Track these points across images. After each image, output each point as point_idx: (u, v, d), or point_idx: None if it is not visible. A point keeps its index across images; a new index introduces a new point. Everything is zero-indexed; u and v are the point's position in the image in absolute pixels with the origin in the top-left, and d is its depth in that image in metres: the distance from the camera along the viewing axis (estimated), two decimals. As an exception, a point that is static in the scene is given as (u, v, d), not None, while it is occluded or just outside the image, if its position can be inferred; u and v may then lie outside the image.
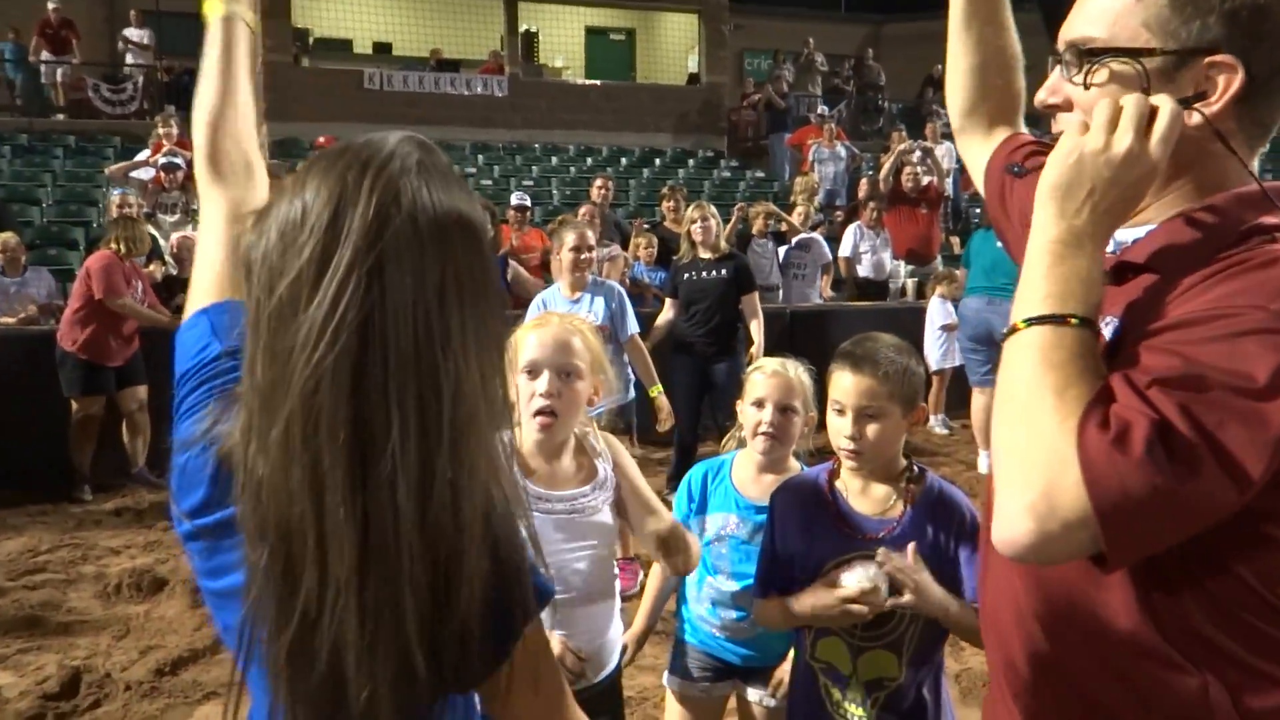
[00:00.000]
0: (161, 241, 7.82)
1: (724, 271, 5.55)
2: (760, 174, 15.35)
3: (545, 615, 1.77)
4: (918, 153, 10.00)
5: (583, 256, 4.61)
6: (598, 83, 16.92)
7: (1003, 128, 1.41)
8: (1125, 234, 1.08)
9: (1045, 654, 1.08)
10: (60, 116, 14.25)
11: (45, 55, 14.41)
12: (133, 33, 15.05)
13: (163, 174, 8.59)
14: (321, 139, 9.80)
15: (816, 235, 8.68)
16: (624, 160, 15.22)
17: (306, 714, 0.89)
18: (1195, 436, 0.84)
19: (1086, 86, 1.04)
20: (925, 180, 9.68)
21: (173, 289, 6.98)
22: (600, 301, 4.59)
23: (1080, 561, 0.92)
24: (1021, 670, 1.10)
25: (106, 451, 6.28)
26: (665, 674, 2.40)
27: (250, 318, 0.88)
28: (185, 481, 0.95)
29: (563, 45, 18.98)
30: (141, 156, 9.38)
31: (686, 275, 5.65)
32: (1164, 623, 0.97)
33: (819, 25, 20.08)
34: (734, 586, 2.22)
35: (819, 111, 15.00)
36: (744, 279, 5.64)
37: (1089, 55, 1.03)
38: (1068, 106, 1.07)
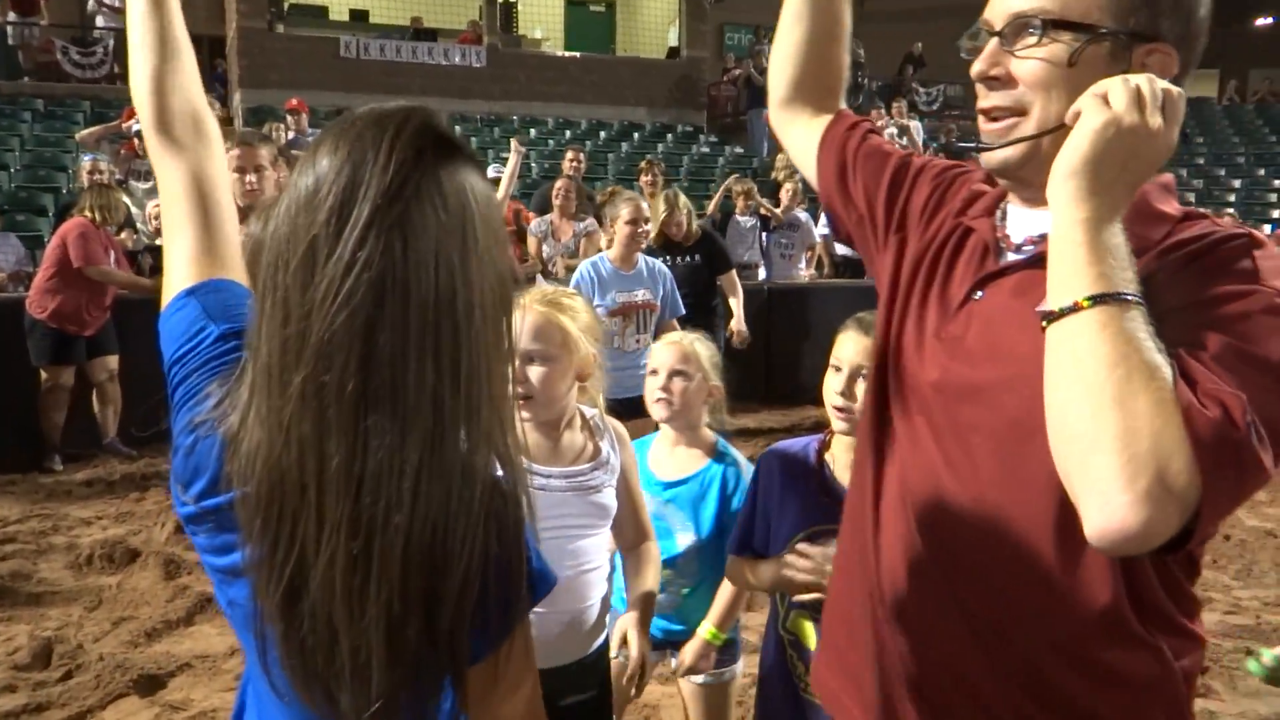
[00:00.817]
0: (134, 209, 7.71)
1: (696, 257, 5.66)
2: (739, 150, 15.29)
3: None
4: (892, 128, 9.99)
5: (640, 229, 4.59)
6: (577, 55, 16.77)
7: (829, 104, 1.39)
8: (1040, 218, 1.08)
9: (986, 645, 1.07)
10: (26, 80, 13.95)
11: (11, 16, 14.10)
12: (103, -5, 14.77)
13: (136, 140, 8.45)
14: (294, 100, 9.61)
15: (803, 215, 8.67)
16: (603, 134, 15.12)
17: (298, 671, 0.88)
18: (1266, 420, 0.88)
19: (1070, 62, 1.03)
20: (904, 158, 9.70)
21: (154, 257, 6.89)
22: (656, 278, 4.55)
23: (1061, 549, 0.99)
24: (943, 665, 1.10)
25: (77, 421, 6.21)
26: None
27: (261, 292, 0.86)
28: (192, 464, 0.93)
29: (542, 16, 18.77)
30: (113, 123, 9.21)
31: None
32: (1134, 597, 1.01)
33: None
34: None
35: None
36: (718, 260, 5.73)
37: (1048, 27, 1.02)
38: (1008, 79, 1.06)
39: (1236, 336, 0.91)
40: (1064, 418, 0.89)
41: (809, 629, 1.90)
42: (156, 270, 6.79)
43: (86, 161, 7.15)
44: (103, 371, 6.22)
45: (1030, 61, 1.04)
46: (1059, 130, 1.00)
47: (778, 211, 8.47)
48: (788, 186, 8.61)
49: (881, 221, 1.29)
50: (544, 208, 7.69)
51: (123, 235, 6.80)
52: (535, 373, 1.83)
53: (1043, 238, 1.06)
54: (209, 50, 16.01)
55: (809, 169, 1.38)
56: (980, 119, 1.11)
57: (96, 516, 5.22)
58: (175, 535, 4.81)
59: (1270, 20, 23.61)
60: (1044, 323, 0.92)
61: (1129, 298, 0.89)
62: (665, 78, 16.47)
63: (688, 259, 5.65)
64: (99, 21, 14.71)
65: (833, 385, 1.88)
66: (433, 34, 16.34)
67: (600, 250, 6.71)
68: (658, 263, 4.75)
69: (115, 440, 6.31)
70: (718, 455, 2.32)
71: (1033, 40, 1.03)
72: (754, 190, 8.50)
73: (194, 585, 4.15)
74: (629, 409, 4.29)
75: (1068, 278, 0.91)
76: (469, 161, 0.90)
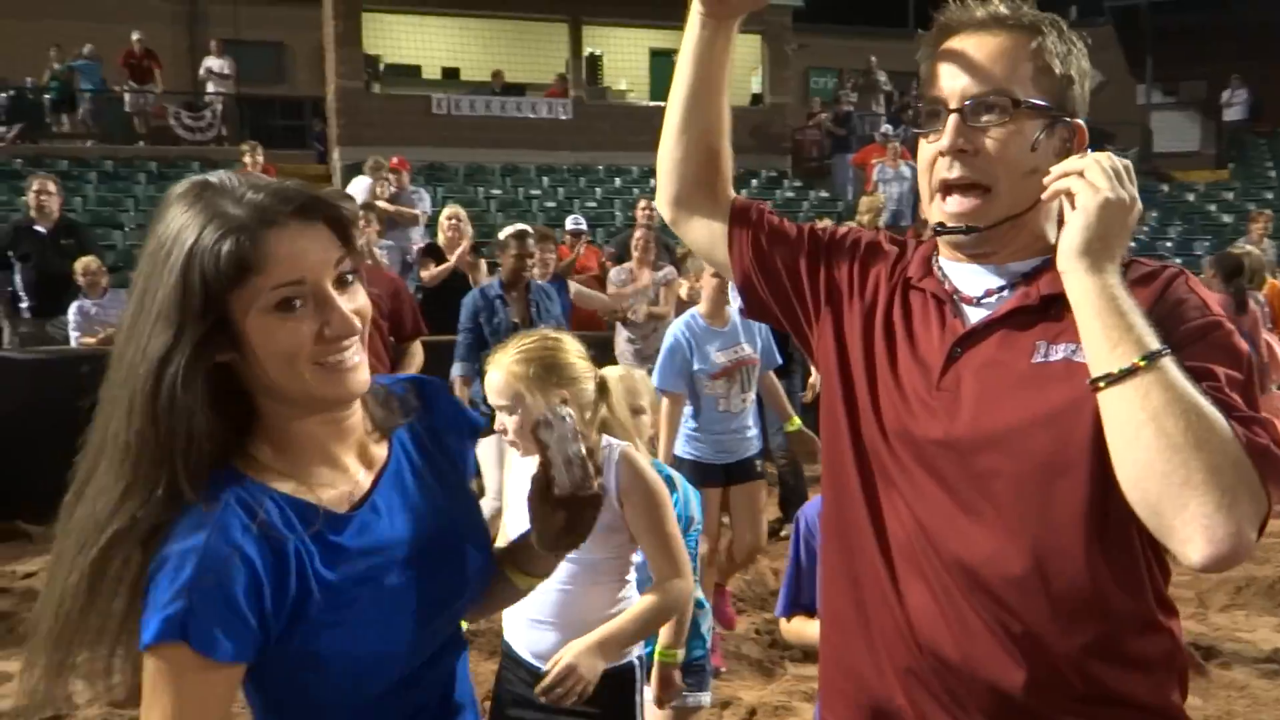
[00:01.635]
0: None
1: None
2: (824, 194, 15.29)
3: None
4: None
5: (727, 281, 4.56)
6: (662, 104, 16.96)
7: (725, 193, 1.44)
8: (1007, 268, 1.22)
9: (1029, 661, 1.12)
10: (142, 144, 14.80)
11: (129, 85, 15.00)
12: (213, 62, 15.61)
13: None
14: (395, 159, 9.96)
15: None
16: (687, 181, 15.28)
17: None
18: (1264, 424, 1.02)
19: (1033, 146, 1.18)
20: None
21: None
22: (751, 330, 4.25)
23: (1094, 568, 1.09)
24: (988, 686, 1.14)
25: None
26: None
27: None
28: None
29: (627, 68, 19.14)
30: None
31: None
32: (1154, 588, 1.14)
33: (885, 43, 19.97)
34: None
35: (882, 130, 14.91)
36: None
37: (1015, 108, 1.16)
38: (977, 151, 1.17)
39: (1223, 362, 1.06)
40: (1150, 467, 0.99)
41: None
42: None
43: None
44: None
45: (998, 140, 1.17)
46: (1030, 210, 1.17)
47: None
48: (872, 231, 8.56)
49: (809, 294, 1.37)
50: (621, 256, 7.81)
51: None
52: (511, 421, 1.96)
53: (1003, 289, 1.20)
54: (310, 110, 16.77)
55: (718, 256, 1.44)
56: (938, 191, 1.21)
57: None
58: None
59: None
60: (1101, 384, 1.03)
61: (1166, 351, 1.01)
62: (749, 124, 16.58)
63: None
64: (209, 87, 15.55)
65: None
66: (521, 89, 16.81)
67: (677, 297, 6.72)
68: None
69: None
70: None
71: (996, 119, 1.16)
72: None
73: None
74: (738, 473, 4.19)
75: (1116, 342, 1.02)
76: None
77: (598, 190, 14.43)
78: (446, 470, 1.24)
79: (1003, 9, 1.20)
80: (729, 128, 1.45)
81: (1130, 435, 1.01)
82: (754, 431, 4.28)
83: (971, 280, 1.24)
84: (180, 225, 1.01)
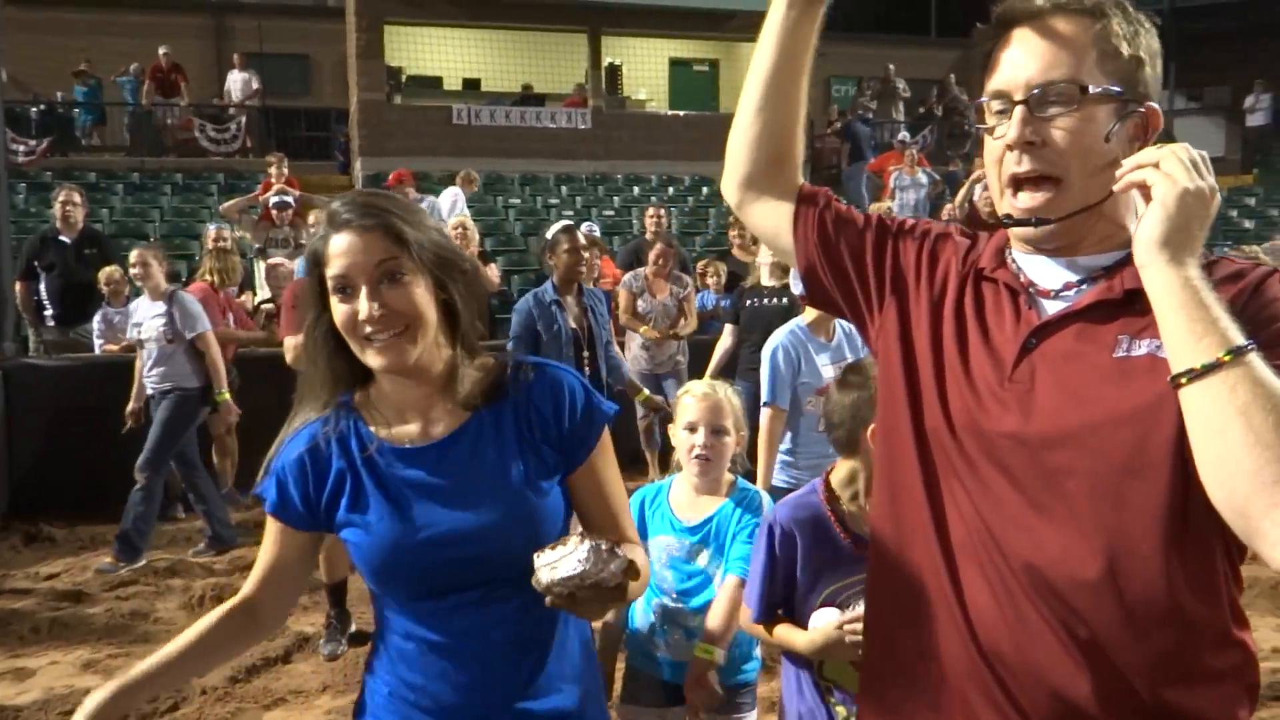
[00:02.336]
0: (260, 276, 8.24)
1: (784, 299, 5.46)
2: (844, 201, 15.28)
3: None
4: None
5: None
6: (680, 113, 17.12)
7: (793, 181, 1.41)
8: (1084, 262, 1.18)
9: (1095, 670, 1.09)
10: (169, 156, 15.06)
11: (156, 99, 15.27)
12: (236, 75, 15.86)
13: (273, 211, 8.94)
14: (391, 177, 10.03)
15: None
16: (705, 189, 15.35)
17: None
18: None
19: (1108, 136, 1.14)
20: (1004, 205, 9.56)
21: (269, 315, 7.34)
22: (854, 341, 3.99)
23: (1170, 573, 1.06)
24: (1052, 694, 1.11)
25: (198, 472, 6.61)
26: (617, 703, 2.37)
27: None
28: None
29: (646, 77, 19.25)
30: (251, 194, 9.80)
31: (748, 302, 5.69)
32: (1230, 598, 1.12)
33: (905, 51, 19.98)
34: (680, 606, 2.28)
35: (900, 138, 14.92)
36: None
37: (1083, 96, 1.12)
38: (1045, 143, 1.14)
39: None
40: (1238, 465, 0.95)
41: (849, 671, 1.93)
42: (270, 324, 7.21)
43: (211, 230, 7.68)
44: (222, 425, 6.61)
45: (1067, 131, 1.13)
46: (1104, 201, 1.13)
47: None
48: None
49: (874, 283, 1.33)
50: (630, 263, 7.86)
51: (243, 297, 7.26)
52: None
53: (1081, 283, 1.17)
54: (334, 122, 17.00)
55: (782, 241, 1.41)
56: (1008, 186, 1.18)
57: (212, 561, 5.54)
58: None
59: None
60: (1183, 380, 0.99)
61: (1252, 346, 0.98)
62: (767, 132, 16.63)
63: (778, 300, 5.52)
64: (233, 98, 15.80)
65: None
66: (540, 99, 16.95)
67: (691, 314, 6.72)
68: (849, 325, 4.01)
69: (232, 490, 6.69)
70: (737, 492, 2.35)
71: (1064, 108, 1.13)
72: None
73: (292, 625, 4.37)
74: None
75: (1200, 336, 0.99)
76: None
77: (616, 199, 14.52)
78: (519, 454, 1.40)
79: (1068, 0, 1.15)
80: (804, 113, 1.42)
81: (1215, 432, 0.97)
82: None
83: (1047, 273, 1.20)
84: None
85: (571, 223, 5.11)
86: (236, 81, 16.03)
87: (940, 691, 1.20)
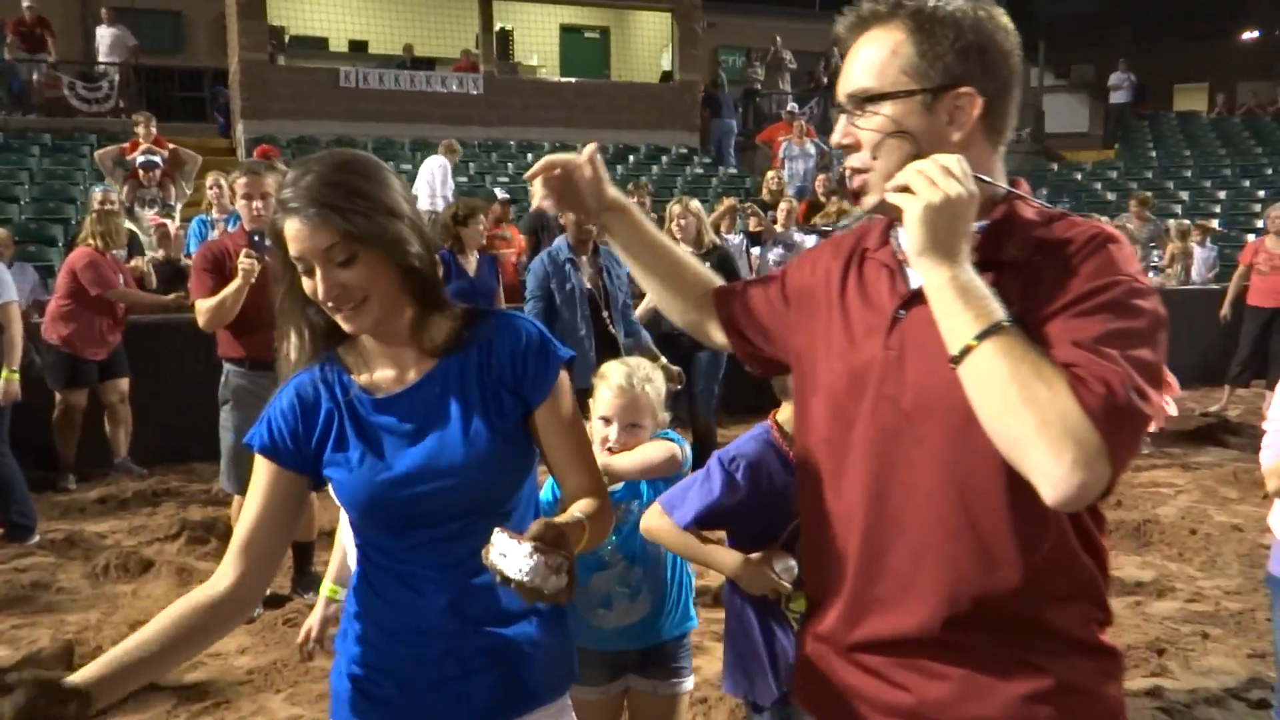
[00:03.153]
0: (143, 237, 7.98)
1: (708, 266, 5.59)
2: (733, 170, 15.58)
3: None
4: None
5: None
6: (572, 80, 17.10)
7: (707, 299, 1.68)
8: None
9: (952, 560, 1.28)
10: (35, 115, 14.28)
11: (20, 54, 14.44)
12: (105, 31, 15.12)
13: (141, 171, 8.74)
14: (257, 150, 9.77)
15: (799, 235, 8.73)
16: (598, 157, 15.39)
17: None
18: (1143, 376, 1.13)
19: (897, 127, 1.30)
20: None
21: (169, 279, 7.14)
22: None
23: (1013, 502, 1.22)
24: (939, 592, 1.29)
25: (90, 442, 6.45)
26: None
27: None
28: None
29: (537, 44, 19.13)
30: (125, 144, 9.46)
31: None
32: (1074, 521, 1.27)
33: (792, 23, 20.34)
34: (621, 564, 2.30)
35: (789, 108, 15.25)
36: (727, 271, 5.65)
37: (869, 101, 1.29)
38: (857, 145, 1.32)
39: (1112, 319, 1.17)
40: (997, 427, 1.14)
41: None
42: (165, 288, 7.03)
43: (98, 192, 7.42)
44: (114, 393, 6.46)
45: (866, 131, 1.31)
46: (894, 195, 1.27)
47: (776, 221, 8.55)
48: (783, 206, 8.82)
49: (792, 328, 1.55)
50: (534, 229, 7.91)
51: (135, 261, 7.05)
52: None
53: None
54: (211, 81, 16.37)
55: (721, 341, 1.69)
56: (850, 174, 1.38)
57: (110, 531, 5.44)
58: (186, 546, 5.04)
59: (1257, 34, 23.94)
60: (953, 365, 1.18)
61: (1002, 323, 1.15)
62: (659, 101, 16.79)
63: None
64: (101, 56, 15.05)
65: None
66: (430, 63, 16.68)
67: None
68: None
69: (126, 460, 6.54)
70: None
71: (863, 113, 1.31)
72: (734, 204, 8.70)
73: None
74: None
75: (956, 328, 1.17)
76: None
77: (510, 165, 14.45)
78: (480, 398, 1.53)
79: (865, 7, 1.33)
80: (685, 258, 1.72)
81: (976, 404, 1.16)
82: None
83: None
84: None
85: None
86: (105, 37, 15.24)
87: (834, 611, 1.42)
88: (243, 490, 4.24)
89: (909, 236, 1.21)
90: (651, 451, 2.30)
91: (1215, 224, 13.24)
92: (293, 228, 1.42)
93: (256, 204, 4.10)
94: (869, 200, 1.34)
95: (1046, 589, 1.27)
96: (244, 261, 3.99)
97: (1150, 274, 9.46)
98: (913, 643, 1.32)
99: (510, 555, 1.26)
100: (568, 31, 19.60)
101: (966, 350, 1.16)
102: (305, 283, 1.45)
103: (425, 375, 1.54)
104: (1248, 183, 16.78)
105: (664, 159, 15.79)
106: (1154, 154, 19.07)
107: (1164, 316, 1.20)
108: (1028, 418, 1.10)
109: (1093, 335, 1.15)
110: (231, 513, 4.43)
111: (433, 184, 10.52)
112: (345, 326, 1.48)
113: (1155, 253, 10.52)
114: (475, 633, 1.52)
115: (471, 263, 5.92)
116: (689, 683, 2.41)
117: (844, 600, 1.40)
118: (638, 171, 14.50)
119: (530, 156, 14.87)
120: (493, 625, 1.53)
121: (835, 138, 1.35)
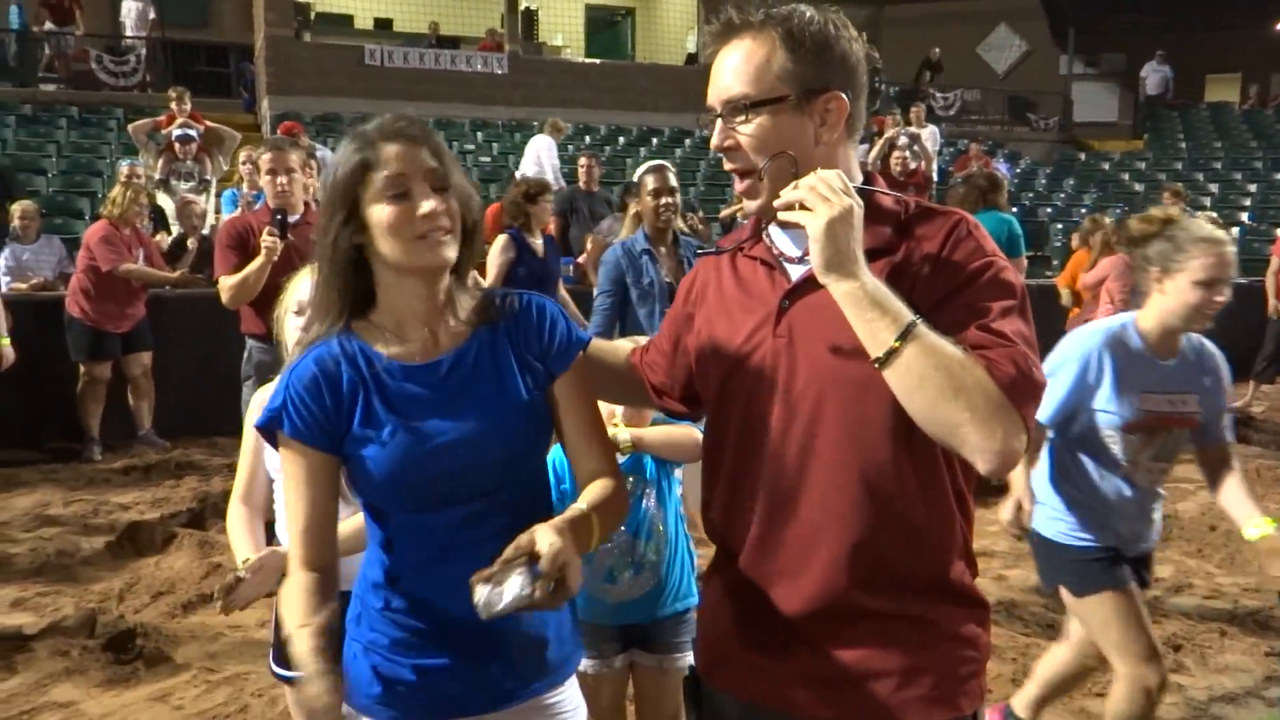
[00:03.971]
0: (169, 208, 8.04)
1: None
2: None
3: None
4: (903, 138, 10.17)
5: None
6: (597, 61, 17.05)
7: (635, 378, 1.75)
8: (803, 240, 1.40)
9: (851, 525, 1.37)
10: (62, 88, 14.37)
11: (48, 26, 14.52)
12: (131, 5, 15.17)
13: (177, 145, 8.79)
14: (281, 126, 9.73)
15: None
16: (621, 139, 15.38)
17: None
18: (1030, 349, 1.29)
19: (773, 130, 1.39)
20: (913, 165, 9.87)
21: (175, 254, 7.18)
22: (1207, 369, 2.84)
23: (898, 462, 1.35)
24: (820, 539, 1.39)
25: (114, 414, 6.52)
26: None
27: None
28: None
29: (563, 24, 19.08)
30: (160, 118, 9.50)
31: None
32: (952, 481, 1.40)
33: (818, 5, 20.16)
34: (625, 539, 2.31)
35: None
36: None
37: (750, 108, 1.39)
38: (736, 146, 1.41)
39: (995, 299, 1.31)
40: (931, 417, 1.26)
41: None
42: (178, 260, 7.05)
43: (125, 166, 7.48)
44: (137, 366, 6.52)
45: (745, 135, 1.41)
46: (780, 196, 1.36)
47: None
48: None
49: (687, 349, 1.62)
50: (564, 211, 7.89)
51: (159, 236, 7.10)
52: None
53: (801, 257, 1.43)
54: (237, 57, 16.42)
55: (656, 406, 1.77)
56: (734, 176, 1.47)
57: (134, 502, 5.50)
58: (209, 519, 5.09)
59: (1291, 24, 23.56)
60: (877, 366, 1.27)
61: (914, 321, 1.25)
62: (683, 84, 16.72)
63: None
64: (128, 31, 15.11)
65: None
66: (455, 41, 16.67)
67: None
68: (1204, 343, 2.68)
69: (149, 432, 6.61)
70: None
71: (743, 118, 1.40)
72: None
73: (227, 564, 4.41)
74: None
75: (876, 333, 1.26)
76: None
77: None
78: (514, 368, 1.54)
79: (735, 16, 1.41)
80: (612, 365, 1.77)
81: (908, 398, 1.26)
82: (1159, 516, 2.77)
83: (793, 242, 1.46)
84: (339, 151, 1.49)
85: (662, 162, 4.53)
86: (131, 11, 15.32)
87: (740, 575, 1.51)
88: (271, 465, 4.30)
89: (814, 250, 1.29)
90: (678, 431, 2.33)
91: (1245, 217, 13.09)
92: (394, 149, 1.43)
93: (281, 179, 4.11)
94: (753, 205, 1.44)
95: (933, 545, 1.39)
96: (266, 240, 4.01)
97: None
98: (816, 610, 1.40)
99: (490, 592, 1.26)
100: (592, 12, 19.54)
101: (892, 352, 1.25)
102: (390, 210, 1.42)
103: (461, 345, 1.53)
104: (1279, 175, 16.57)
105: (687, 141, 15.74)
106: (1184, 145, 18.85)
107: (1024, 286, 1.36)
108: (960, 405, 1.23)
109: (988, 318, 1.29)
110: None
111: (540, 163, 10.54)
112: (427, 257, 1.44)
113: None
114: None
115: (539, 244, 5.65)
116: (690, 657, 2.41)
117: (748, 573, 1.47)
118: (660, 154, 14.45)
119: (553, 137, 14.83)
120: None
121: (715, 141, 1.43)
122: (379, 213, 1.44)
